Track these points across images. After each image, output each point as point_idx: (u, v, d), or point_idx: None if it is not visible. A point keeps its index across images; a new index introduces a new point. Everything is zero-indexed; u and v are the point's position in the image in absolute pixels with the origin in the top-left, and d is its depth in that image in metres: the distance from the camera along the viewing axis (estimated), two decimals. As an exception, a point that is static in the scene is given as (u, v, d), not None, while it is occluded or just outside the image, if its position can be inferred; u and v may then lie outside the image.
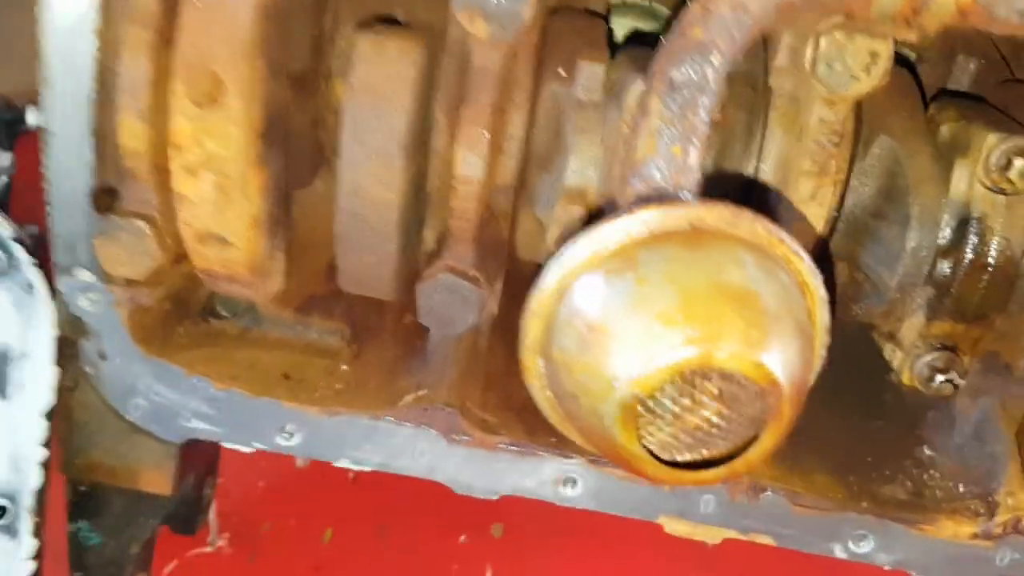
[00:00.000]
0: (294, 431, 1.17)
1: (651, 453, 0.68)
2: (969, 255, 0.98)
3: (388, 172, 0.96)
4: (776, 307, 0.67)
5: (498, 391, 1.26)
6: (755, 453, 0.68)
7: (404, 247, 1.05)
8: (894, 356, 1.07)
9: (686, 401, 0.66)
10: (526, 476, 1.18)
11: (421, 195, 1.09)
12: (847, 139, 0.99)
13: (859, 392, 1.36)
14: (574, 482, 1.17)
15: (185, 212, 1.01)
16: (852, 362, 1.38)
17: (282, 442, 1.17)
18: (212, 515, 1.63)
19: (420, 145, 1.02)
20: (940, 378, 1.03)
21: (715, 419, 0.67)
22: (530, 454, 1.17)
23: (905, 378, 1.06)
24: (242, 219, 1.02)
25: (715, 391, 0.66)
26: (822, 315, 0.74)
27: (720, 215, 0.69)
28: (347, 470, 1.81)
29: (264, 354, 1.27)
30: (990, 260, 0.98)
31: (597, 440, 0.70)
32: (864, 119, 1.03)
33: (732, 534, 1.16)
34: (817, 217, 0.99)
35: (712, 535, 1.16)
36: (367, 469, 1.19)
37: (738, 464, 0.69)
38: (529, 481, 1.18)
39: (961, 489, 1.21)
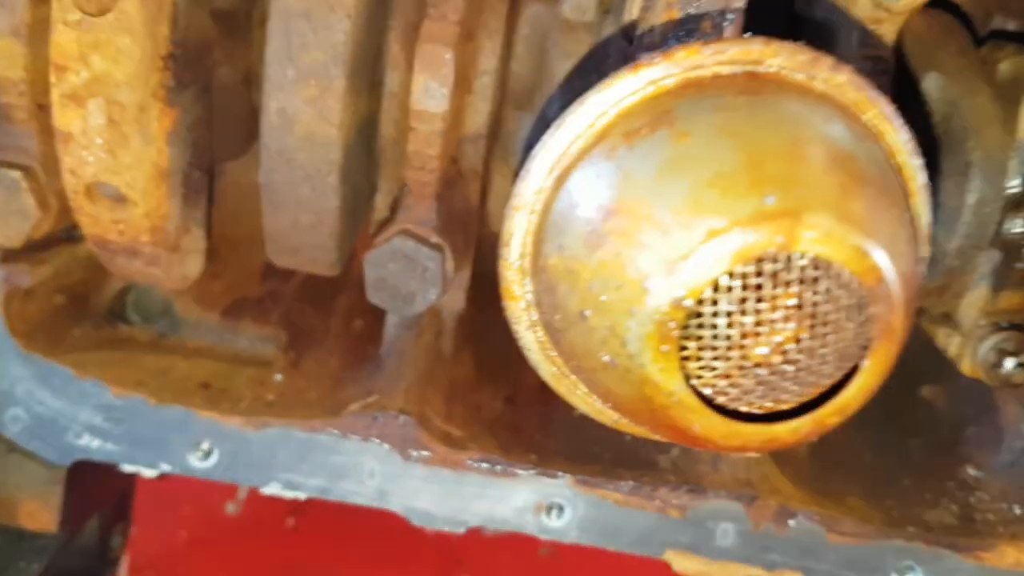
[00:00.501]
0: (211, 448, 0.94)
1: (699, 394, 0.47)
2: (1046, 208, 0.80)
3: (327, 99, 0.76)
4: (881, 181, 0.48)
5: (464, 403, 1.05)
6: (854, 392, 0.47)
7: (349, 206, 0.84)
8: (950, 342, 0.88)
9: (748, 319, 0.45)
10: (500, 502, 0.95)
11: (372, 147, 0.89)
12: (890, 70, 0.81)
13: (887, 408, 1.17)
14: (560, 509, 0.95)
15: (70, 157, 0.80)
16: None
17: (196, 463, 0.94)
18: (123, 570, 1.38)
19: (369, 78, 0.83)
20: (1010, 363, 0.84)
21: (791, 348, 0.46)
22: (505, 474, 0.95)
23: (966, 366, 0.87)
24: (141, 166, 0.81)
25: (792, 301, 0.45)
26: (924, 210, 0.54)
27: (791, 57, 0.49)
28: (286, 518, 1.58)
29: (180, 362, 1.05)
30: (1070, 215, 0.80)
31: (616, 385, 0.48)
32: (910, 57, 0.86)
33: (756, 572, 0.94)
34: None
35: (731, 574, 0.94)
36: (302, 496, 0.96)
37: (828, 411, 0.47)
38: (504, 508, 0.95)
39: (1018, 511, 1.02)
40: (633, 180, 0.47)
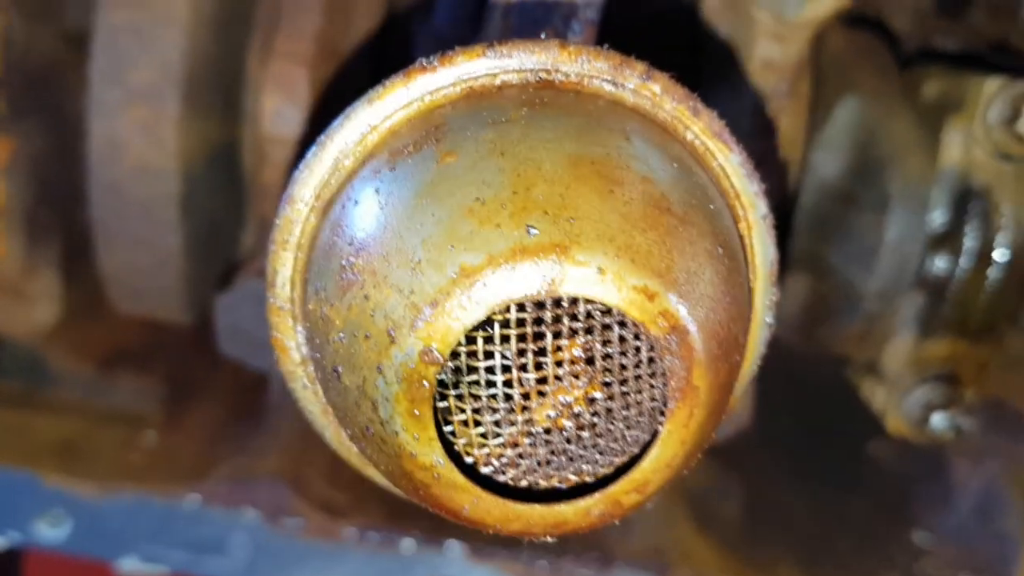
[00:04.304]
0: (63, 517, 0.84)
1: (464, 467, 0.37)
2: (970, 243, 0.72)
3: (160, 123, 0.67)
4: (685, 209, 0.39)
5: (358, 463, 0.95)
6: (652, 464, 0.38)
7: (199, 244, 0.75)
8: (874, 395, 0.79)
9: (529, 375, 0.36)
10: (386, 578, 0.85)
11: (234, 176, 0.80)
12: (802, 95, 0.74)
13: (829, 463, 1.08)
14: (452, 585, 0.85)
15: None
16: (819, 425, 1.11)
17: (47, 531, 0.84)
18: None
19: (223, 100, 0.75)
20: (939, 419, 0.75)
21: (582, 411, 0.38)
22: (390, 545, 0.84)
23: (890, 424, 0.78)
24: (-37, 201, 0.72)
25: (579, 352, 0.36)
26: (765, 243, 0.45)
27: (591, 62, 0.40)
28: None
29: (41, 419, 0.96)
30: (997, 250, 0.71)
31: (379, 459, 0.39)
32: (825, 79, 0.78)
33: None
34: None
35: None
36: (165, 572, 0.85)
37: (623, 488, 0.38)
38: (390, 585, 0.85)
39: (966, 580, 0.93)
40: (391, 207, 0.39)
